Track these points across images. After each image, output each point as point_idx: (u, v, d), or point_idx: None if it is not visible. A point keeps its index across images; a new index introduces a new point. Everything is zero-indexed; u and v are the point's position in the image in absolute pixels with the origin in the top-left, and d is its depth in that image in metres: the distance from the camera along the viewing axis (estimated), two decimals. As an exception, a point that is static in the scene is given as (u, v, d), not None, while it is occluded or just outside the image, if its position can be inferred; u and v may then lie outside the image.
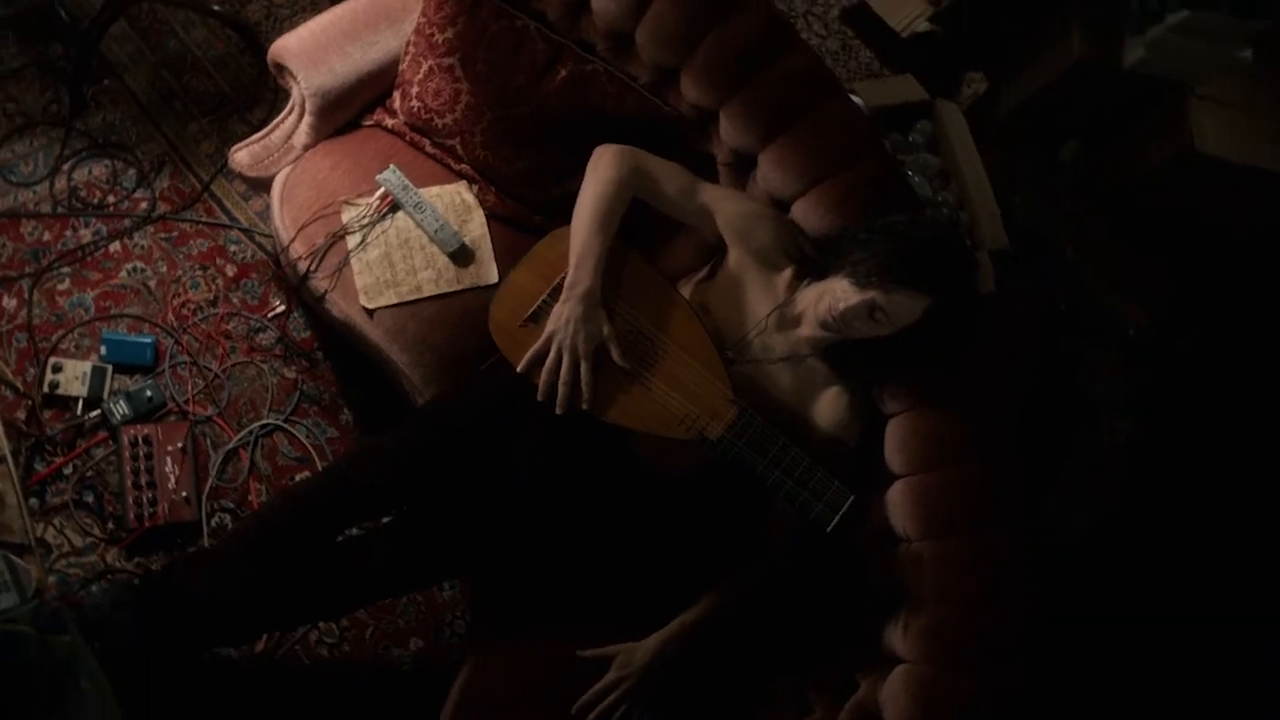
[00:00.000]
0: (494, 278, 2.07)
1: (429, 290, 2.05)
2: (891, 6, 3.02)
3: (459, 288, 2.06)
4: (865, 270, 1.70)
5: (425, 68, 2.10)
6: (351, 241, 2.06)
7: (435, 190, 2.12)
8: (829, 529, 1.64)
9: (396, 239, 2.07)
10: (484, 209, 2.13)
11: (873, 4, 3.05)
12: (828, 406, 1.84)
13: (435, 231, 2.05)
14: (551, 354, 1.74)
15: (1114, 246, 3.23)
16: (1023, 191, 3.15)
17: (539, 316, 1.78)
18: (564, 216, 1.85)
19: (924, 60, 3.06)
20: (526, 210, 2.15)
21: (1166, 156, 3.00)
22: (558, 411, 1.73)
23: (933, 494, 1.78)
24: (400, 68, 2.15)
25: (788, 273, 1.84)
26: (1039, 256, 3.09)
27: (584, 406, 1.73)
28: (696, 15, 1.90)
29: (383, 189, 2.07)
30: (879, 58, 3.16)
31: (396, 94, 2.17)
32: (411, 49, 2.11)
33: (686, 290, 1.93)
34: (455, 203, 2.11)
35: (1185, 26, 2.73)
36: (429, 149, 2.16)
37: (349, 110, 2.18)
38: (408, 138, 2.17)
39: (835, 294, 1.72)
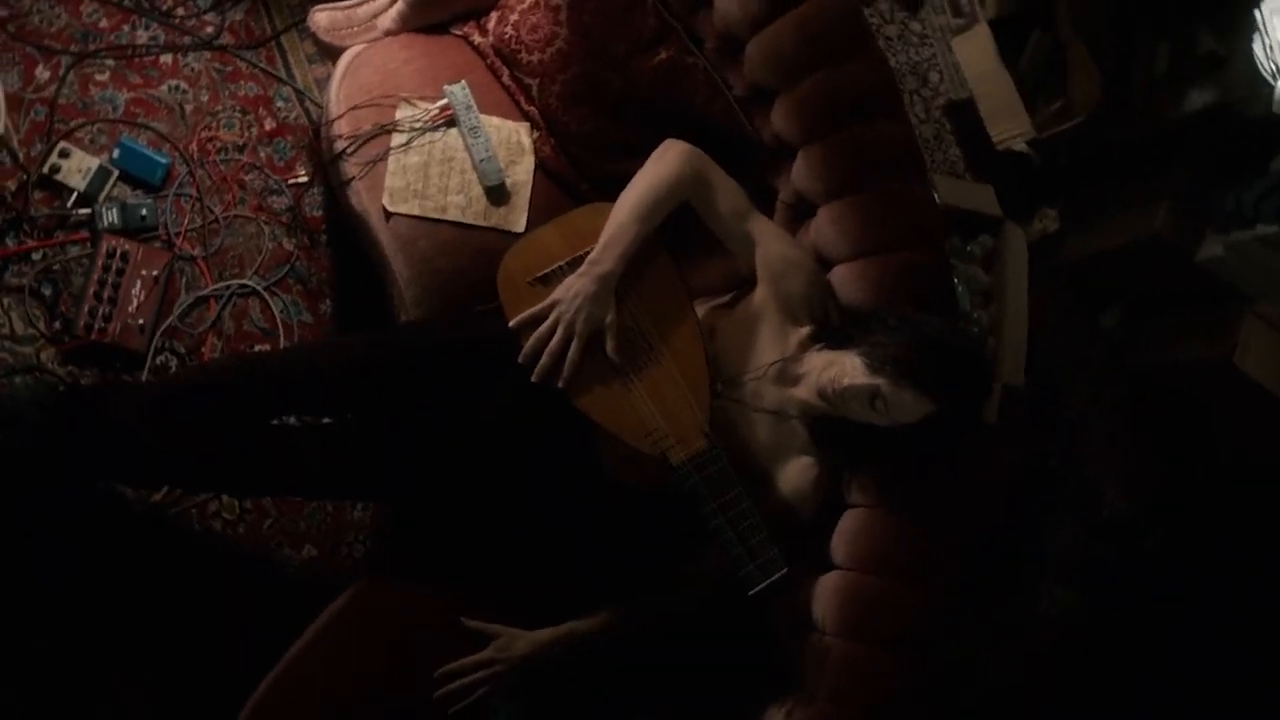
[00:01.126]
0: (520, 227, 2.01)
1: (453, 215, 1.99)
2: (998, 116, 2.97)
3: (482, 223, 2.00)
4: (882, 356, 1.65)
5: (509, 11, 2.05)
6: (396, 139, 1.99)
7: (496, 122, 2.06)
8: (752, 592, 1.59)
9: (440, 154, 2.00)
10: (536, 157, 2.07)
11: (981, 106, 3.00)
12: (794, 474, 1.79)
13: (481, 161, 1.99)
14: (548, 321, 1.68)
15: (1121, 423, 3.19)
16: (1054, 339, 3.12)
17: (550, 280, 1.72)
18: (610, 193, 1.80)
19: (1009, 179, 3.02)
20: (577, 174, 2.09)
21: (1203, 358, 2.97)
22: (533, 379, 1.68)
23: (862, 598, 1.73)
24: (509, -11, 2.09)
25: (805, 330, 1.78)
26: (1047, 406, 3.06)
27: (560, 384, 1.67)
28: (814, 48, 1.85)
29: (446, 100, 2.01)
30: (966, 161, 3.11)
31: (494, 14, 2.10)
32: (527, -25, 2.06)
33: (701, 310, 1.88)
34: (511, 141, 2.05)
35: (1272, 241, 2.69)
36: (505, 79, 2.10)
37: (443, 12, 2.12)
38: (489, 60, 2.11)
39: (844, 368, 1.67)
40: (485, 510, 1.86)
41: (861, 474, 1.80)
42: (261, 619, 1.97)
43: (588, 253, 1.71)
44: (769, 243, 1.80)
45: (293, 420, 1.99)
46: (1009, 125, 2.98)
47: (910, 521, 1.75)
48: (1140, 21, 3.08)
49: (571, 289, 1.69)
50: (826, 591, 1.75)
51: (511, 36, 2.06)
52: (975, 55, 2.98)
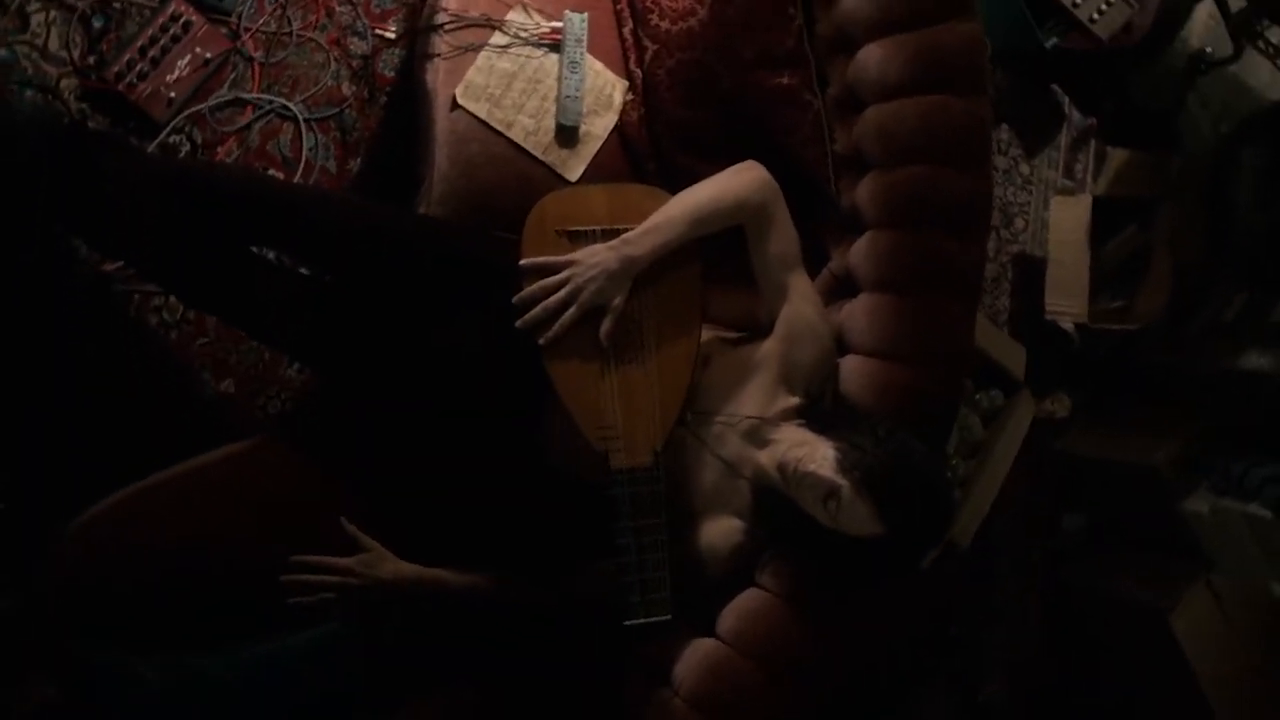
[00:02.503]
0: (574, 176, 1.95)
1: (516, 135, 1.92)
2: (1060, 287, 2.94)
3: (539, 156, 1.93)
4: (857, 460, 1.57)
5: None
6: (497, 38, 1.92)
7: (598, 67, 1.99)
8: (628, 623, 1.53)
9: (532, 71, 1.93)
10: (620, 119, 2.00)
11: (1049, 271, 2.95)
12: (720, 530, 1.72)
13: (566, 97, 1.93)
14: (559, 276, 1.62)
15: (1034, 622, 3.16)
16: (1012, 519, 3.07)
17: (578, 239, 1.66)
18: (672, 183, 1.75)
19: (1043, 351, 2.97)
20: (650, 151, 2.02)
21: (1140, 601, 2.93)
22: (518, 324, 1.61)
23: (727, 677, 1.65)
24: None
25: (794, 401, 1.72)
26: (975, 578, 3.01)
27: (541, 341, 1.61)
28: (931, 141, 1.79)
29: (562, 24, 1.94)
30: (1012, 315, 3.07)
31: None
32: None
33: (705, 335, 1.79)
34: (603, 92, 1.99)
35: (1259, 523, 2.66)
36: (626, 32, 2.02)
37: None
38: (619, 6, 2.03)
39: (814, 455, 1.60)
40: (411, 428, 1.79)
41: (781, 560, 1.73)
42: (150, 429, 1.90)
43: (626, 229, 1.66)
44: (800, 303, 1.74)
45: (271, 256, 1.91)
46: (1066, 301, 2.94)
47: (805, 625, 1.68)
48: (1230, 264, 3.06)
49: (595, 256, 1.62)
50: (696, 656, 1.68)
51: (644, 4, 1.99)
52: (1067, 222, 2.94)
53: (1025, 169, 3.09)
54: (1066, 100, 3.11)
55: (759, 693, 1.65)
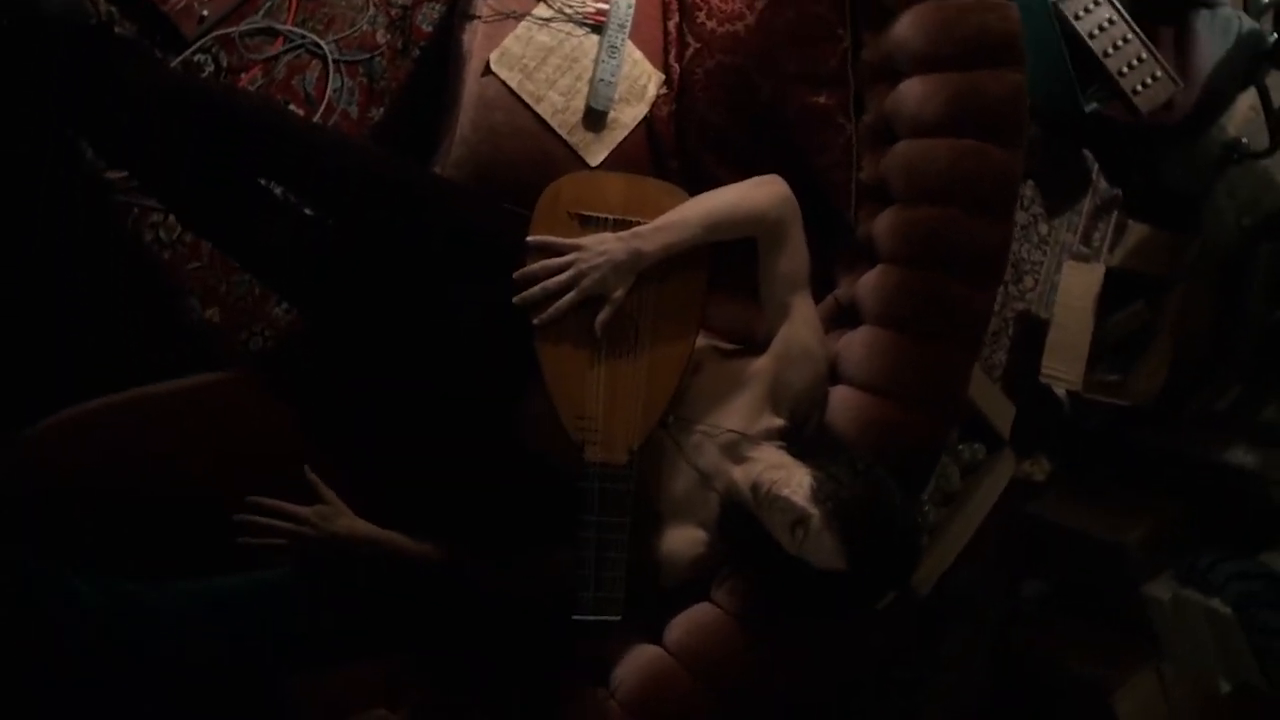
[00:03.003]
0: (595, 161, 1.92)
1: (543, 110, 1.89)
2: (1058, 352, 2.92)
3: (563, 135, 1.91)
4: (831, 491, 1.55)
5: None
6: (540, 10, 1.90)
7: (637, 55, 1.96)
8: (577, 618, 1.52)
9: (569, 49, 1.91)
10: (650, 112, 1.97)
11: (1051, 334, 2.94)
12: (683, 540, 1.70)
13: (600, 80, 1.90)
14: (564, 259, 1.60)
15: (976, 683, 3.14)
16: (971, 575, 3.06)
17: (589, 224, 1.64)
18: (691, 183, 1.74)
19: (1031, 411, 2.96)
20: (675, 148, 1.99)
21: (1085, 679, 2.91)
22: (515, 300, 1.59)
23: (666, 686, 1.63)
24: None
25: (779, 422, 1.70)
26: (925, 626, 2.99)
27: (535, 321, 1.59)
28: (957, 185, 1.76)
29: (607, 7, 1.91)
30: (1006, 372, 3.05)
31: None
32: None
33: (700, 342, 1.78)
34: (638, 81, 1.96)
35: (1217, 620, 2.65)
36: (671, 25, 2.00)
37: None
38: (667, 0, 2.01)
39: (790, 479, 1.58)
40: (390, 389, 1.77)
41: (738, 578, 1.70)
42: (127, 345, 1.87)
43: (638, 223, 1.64)
44: (800, 326, 1.72)
45: (278, 192, 1.88)
46: (1063, 367, 2.92)
47: (753, 648, 1.65)
48: (1231, 356, 3.05)
49: (603, 244, 1.60)
50: (639, 661, 1.66)
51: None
52: (1077, 288, 2.92)
53: (1044, 228, 3.07)
54: (1096, 167, 3.09)
55: (697, 708, 1.62)
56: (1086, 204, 3.12)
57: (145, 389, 1.72)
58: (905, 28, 1.82)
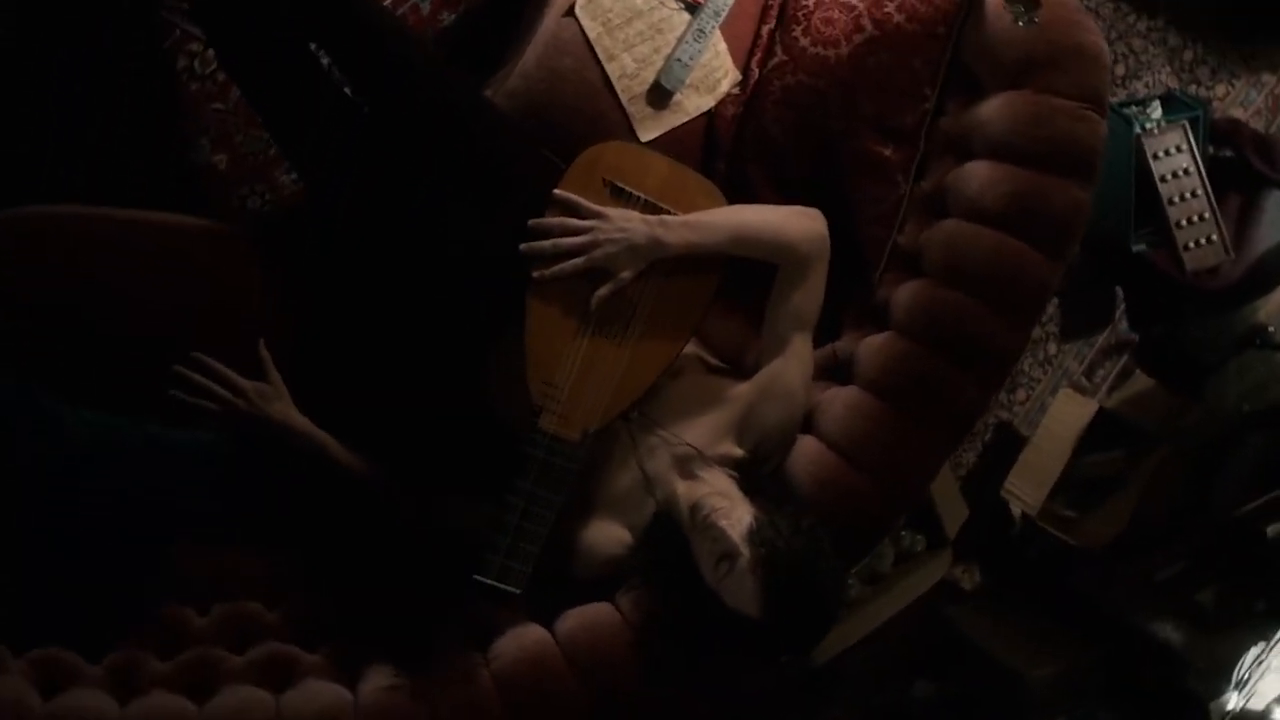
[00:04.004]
0: (645, 137, 1.87)
1: (611, 71, 1.84)
2: (1025, 474, 2.90)
3: (623, 101, 1.85)
4: (768, 538, 1.50)
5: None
6: (642, -35, 1.84)
7: (721, 48, 1.91)
8: (477, 577, 1.48)
9: (656, 19, 1.85)
10: (716, 107, 1.92)
11: (1024, 454, 2.92)
12: (606, 536, 1.66)
13: (677, 60, 1.85)
14: (584, 223, 1.56)
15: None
16: (869, 658, 3.03)
17: (620, 196, 1.60)
18: (731, 191, 1.70)
19: (982, 520, 2.93)
20: (727, 151, 1.94)
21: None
22: (522, 249, 1.56)
23: (546, 674, 1.60)
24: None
25: (738, 452, 1.67)
26: (808, 691, 2.97)
27: (536, 275, 1.55)
28: (989, 284, 1.73)
29: (709, -10, 1.86)
30: (970, 477, 3.04)
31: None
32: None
33: (690, 349, 1.76)
34: (712, 74, 1.91)
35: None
36: (764, 30, 1.94)
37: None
38: (771, 2, 1.95)
39: (731, 512, 1.53)
40: (370, 293, 1.73)
41: (646, 590, 1.66)
42: (125, 163, 1.81)
43: (668, 211, 1.60)
44: (792, 365, 1.69)
45: (325, 62, 1.82)
46: (1026, 488, 2.90)
47: (640, 663, 1.61)
48: (1187, 531, 3.03)
49: (627, 222, 1.56)
50: (523, 640, 1.62)
51: (804, 8, 1.90)
52: (1066, 417, 2.90)
53: (1052, 348, 3.05)
54: (1122, 306, 3.07)
55: (567, 702, 1.59)
56: (1101, 339, 3.10)
57: (123, 211, 1.68)
58: (993, 109, 1.78)
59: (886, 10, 1.82)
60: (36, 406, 1.55)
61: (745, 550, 1.49)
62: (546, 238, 1.55)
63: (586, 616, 1.65)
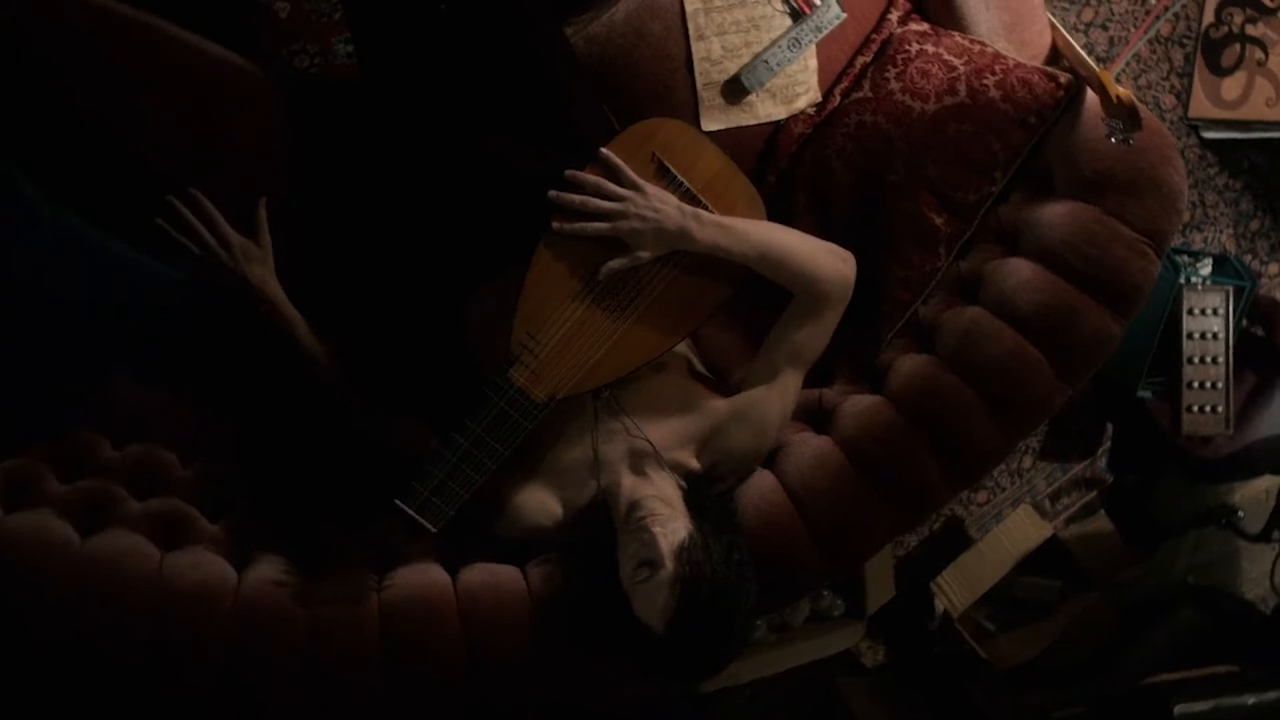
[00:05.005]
0: (706, 126, 1.83)
1: (696, 51, 1.79)
2: (959, 574, 2.87)
3: (698, 83, 1.81)
4: (695, 558, 1.46)
5: (939, 50, 1.84)
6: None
7: (811, 64, 1.86)
8: (399, 502, 1.45)
9: (757, 16, 1.80)
10: (786, 120, 1.88)
11: (965, 556, 2.89)
12: (537, 503, 1.62)
13: (764, 61, 1.80)
14: (620, 191, 1.50)
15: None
16: (746, 703, 3.01)
17: (664, 176, 1.54)
18: (775, 206, 1.72)
19: (904, 604, 2.91)
20: (782, 167, 1.90)
21: None
22: (550, 195, 1.50)
23: (433, 619, 1.57)
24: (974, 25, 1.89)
25: (694, 464, 1.63)
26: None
27: (555, 226, 1.50)
28: (996, 379, 1.68)
29: (819, 3, 1.80)
30: (905, 560, 3.01)
31: (928, 26, 1.91)
32: (980, 51, 1.84)
33: (682, 348, 1.74)
34: (794, 87, 1.86)
35: None
36: (859, 61, 1.90)
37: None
38: (872, 35, 1.91)
39: (670, 521, 1.49)
40: (385, 190, 1.68)
41: (559, 568, 1.63)
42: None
43: (706, 207, 1.55)
44: (775, 397, 1.64)
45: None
46: (955, 589, 2.87)
47: (530, 632, 1.59)
48: (1092, 679, 3.01)
49: (664, 204, 1.51)
50: (421, 579, 1.60)
51: (905, 53, 1.86)
52: (1017, 533, 2.87)
53: (1027, 462, 3.01)
54: (1107, 445, 3.04)
55: (445, 653, 1.56)
56: (1076, 469, 3.07)
57: (170, 25, 1.61)
58: (1055, 214, 1.73)
59: (986, 82, 1.77)
60: (16, 191, 1.49)
61: (670, 564, 1.45)
62: (580, 193, 1.50)
63: (491, 575, 1.63)
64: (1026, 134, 1.76)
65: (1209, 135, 2.71)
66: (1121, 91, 1.53)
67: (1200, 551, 3.11)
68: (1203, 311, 2.56)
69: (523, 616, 1.59)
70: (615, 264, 1.51)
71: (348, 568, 1.61)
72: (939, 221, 1.78)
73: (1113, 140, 1.63)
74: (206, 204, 1.57)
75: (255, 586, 1.53)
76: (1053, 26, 1.88)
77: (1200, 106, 2.67)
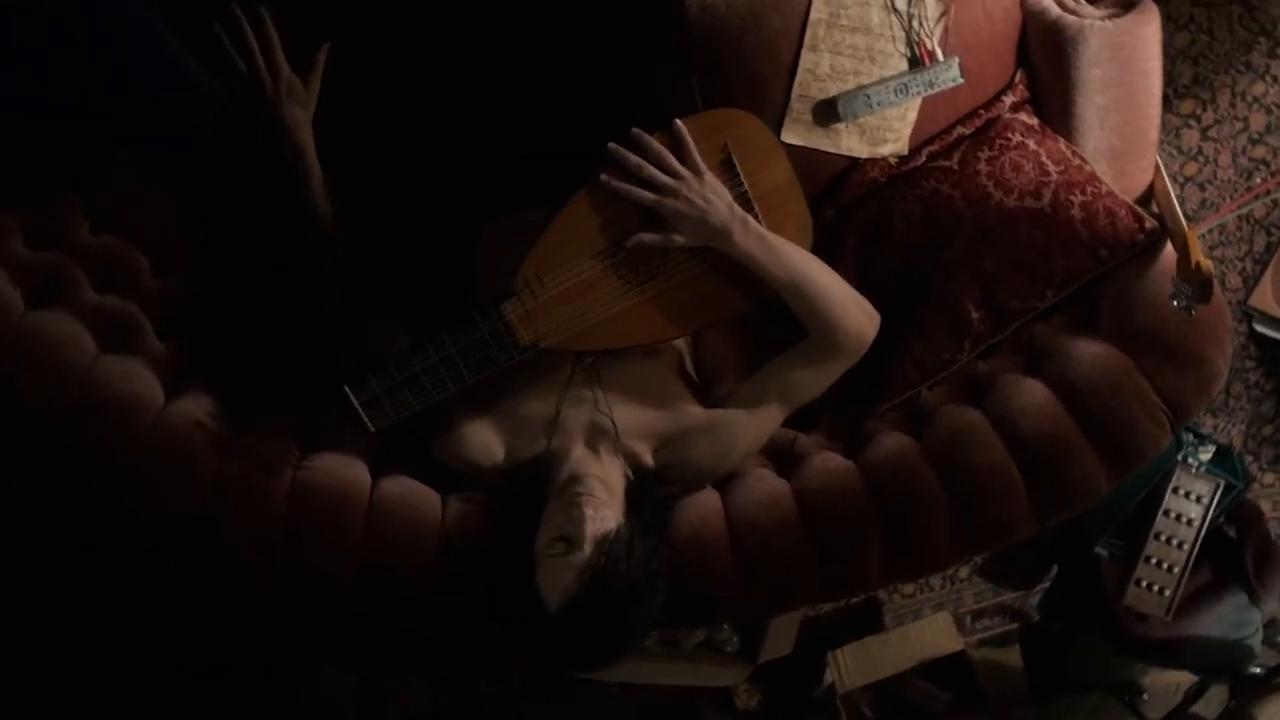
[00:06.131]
0: (785, 137, 1.76)
1: (804, 60, 1.72)
2: (861, 655, 2.84)
3: (793, 91, 1.73)
4: (615, 552, 1.42)
5: (1040, 150, 1.77)
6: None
7: (911, 117, 1.79)
8: (347, 388, 1.43)
9: (877, 47, 1.73)
10: (866, 160, 1.81)
11: (867, 644, 2.86)
12: (481, 439, 1.58)
13: (866, 94, 1.73)
14: (677, 165, 1.45)
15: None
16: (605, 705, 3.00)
17: (725, 170, 1.50)
18: (823, 241, 1.64)
19: (794, 666, 2.88)
20: (844, 204, 1.84)
21: None
22: (610, 146, 1.45)
23: (341, 517, 1.53)
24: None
25: (647, 461, 1.59)
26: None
27: (603, 179, 1.45)
28: (967, 490, 1.63)
29: (941, 60, 1.73)
30: (812, 622, 2.96)
31: (1037, 122, 1.84)
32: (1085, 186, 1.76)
33: (681, 343, 1.73)
34: (885, 131, 1.79)
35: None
36: (957, 128, 1.83)
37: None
38: (980, 113, 1.83)
39: (602, 505, 1.45)
40: (461, 74, 1.62)
41: (479, 510, 1.59)
42: None
43: (755, 215, 1.51)
44: (751, 425, 1.61)
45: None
46: (851, 667, 2.82)
47: (434, 559, 1.55)
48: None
49: (718, 198, 1.47)
50: (345, 475, 1.56)
51: (1005, 140, 1.79)
52: (928, 636, 2.83)
53: (964, 572, 2.98)
54: (1046, 587, 3.01)
55: (340, 552, 1.52)
56: (1008, 597, 3.05)
57: None
58: (1089, 352, 1.68)
59: (1073, 198, 1.71)
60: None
61: (587, 549, 1.42)
62: (637, 155, 1.44)
63: (410, 493, 1.59)
64: (1093, 264, 1.71)
65: (1259, 329, 2.66)
66: (1204, 260, 1.47)
67: (1095, 717, 3.09)
68: (1187, 495, 2.52)
69: (427, 543, 1.55)
70: (647, 237, 1.47)
71: (274, 434, 1.56)
72: (975, 316, 1.72)
73: (1174, 303, 1.57)
74: (270, 28, 1.50)
75: (177, 419, 1.48)
76: (1157, 168, 1.82)
77: (1263, 299, 2.62)
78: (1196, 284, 1.50)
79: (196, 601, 1.71)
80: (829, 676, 2.92)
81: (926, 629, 2.89)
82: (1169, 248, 1.72)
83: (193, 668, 2.15)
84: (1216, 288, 1.54)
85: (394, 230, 1.65)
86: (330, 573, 1.52)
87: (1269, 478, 2.96)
